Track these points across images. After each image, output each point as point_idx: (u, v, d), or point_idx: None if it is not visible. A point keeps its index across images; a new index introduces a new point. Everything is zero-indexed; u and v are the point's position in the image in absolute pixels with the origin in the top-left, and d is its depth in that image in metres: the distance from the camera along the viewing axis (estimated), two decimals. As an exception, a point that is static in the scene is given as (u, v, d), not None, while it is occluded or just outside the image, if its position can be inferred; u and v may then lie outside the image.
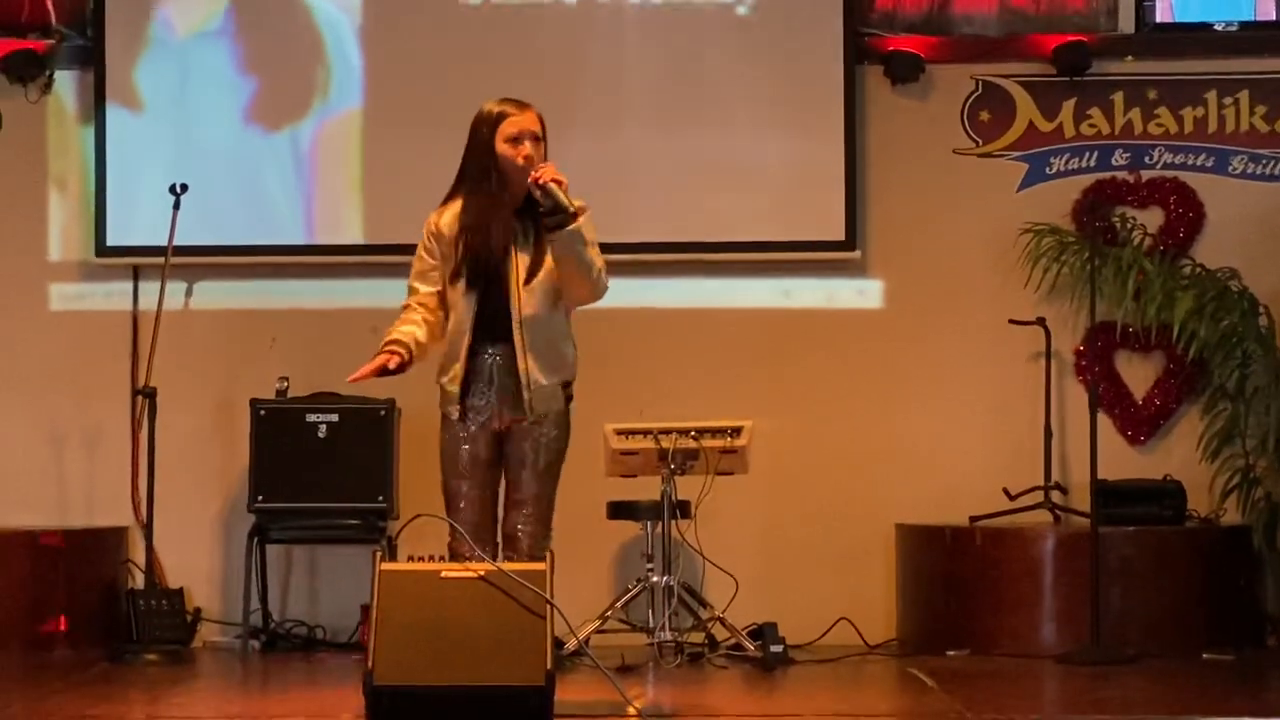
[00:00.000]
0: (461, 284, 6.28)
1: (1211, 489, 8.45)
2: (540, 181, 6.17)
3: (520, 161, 6.22)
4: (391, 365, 6.27)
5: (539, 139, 6.28)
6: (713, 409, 8.28)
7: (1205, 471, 8.49)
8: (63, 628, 8.27)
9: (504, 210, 6.25)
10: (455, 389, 6.29)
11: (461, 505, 6.29)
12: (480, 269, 6.26)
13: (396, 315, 6.43)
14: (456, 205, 6.33)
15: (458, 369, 6.28)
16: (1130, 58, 8.90)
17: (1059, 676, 7.51)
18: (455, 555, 6.18)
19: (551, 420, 6.28)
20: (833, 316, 8.88)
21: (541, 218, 6.22)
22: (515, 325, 6.23)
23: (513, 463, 6.32)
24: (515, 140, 6.25)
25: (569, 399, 6.35)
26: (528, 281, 6.24)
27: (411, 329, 6.35)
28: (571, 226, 6.16)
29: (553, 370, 6.27)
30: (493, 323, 6.25)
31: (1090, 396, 8.11)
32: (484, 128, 6.30)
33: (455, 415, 6.30)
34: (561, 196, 6.16)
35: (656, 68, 8.84)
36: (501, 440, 6.32)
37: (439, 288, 6.34)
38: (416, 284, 6.39)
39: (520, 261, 6.24)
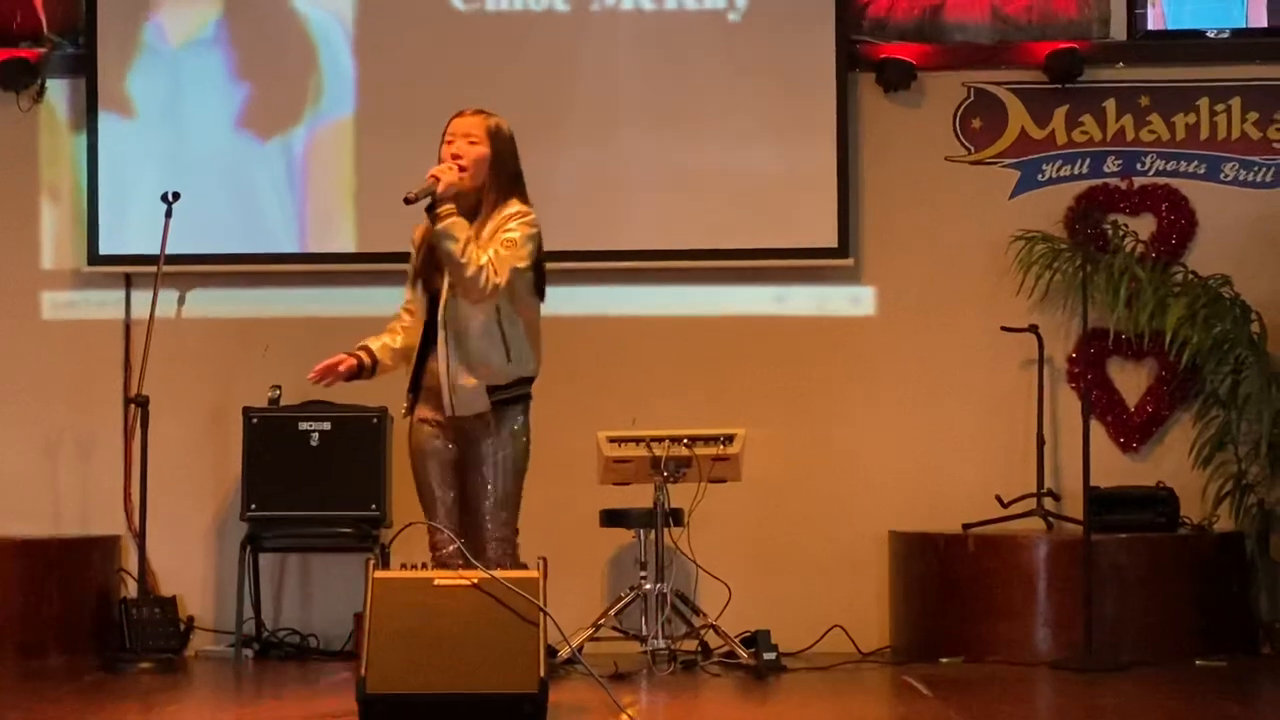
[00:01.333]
0: (420, 286, 6.33)
1: (1204, 496, 8.47)
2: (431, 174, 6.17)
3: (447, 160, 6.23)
4: (340, 369, 6.34)
5: (473, 141, 6.25)
6: (705, 416, 8.28)
7: (1198, 478, 8.50)
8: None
9: None
10: (407, 385, 6.33)
11: (429, 506, 6.33)
12: (430, 270, 6.27)
13: (386, 324, 6.52)
14: None
15: (412, 367, 6.32)
16: (1122, 65, 8.90)
17: (1052, 683, 7.51)
18: (436, 557, 6.20)
19: (486, 423, 6.21)
20: (825, 323, 8.87)
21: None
22: (440, 325, 6.22)
23: (463, 465, 6.30)
24: (450, 142, 6.28)
25: (505, 403, 6.23)
26: None
27: (386, 338, 6.45)
28: (436, 226, 6.09)
29: (474, 372, 6.20)
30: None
31: (1083, 403, 8.11)
32: None
33: (404, 410, 6.34)
34: (427, 189, 6.10)
35: (649, 75, 8.83)
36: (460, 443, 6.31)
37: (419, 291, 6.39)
38: (406, 289, 6.44)
39: None
